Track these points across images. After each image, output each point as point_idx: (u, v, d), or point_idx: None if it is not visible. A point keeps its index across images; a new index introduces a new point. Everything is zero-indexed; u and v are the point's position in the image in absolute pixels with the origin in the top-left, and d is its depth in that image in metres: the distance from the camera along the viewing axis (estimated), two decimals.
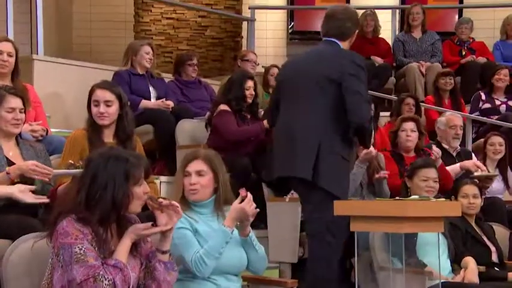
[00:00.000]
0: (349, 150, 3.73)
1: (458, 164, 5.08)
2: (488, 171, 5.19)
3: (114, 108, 3.54)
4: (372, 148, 4.27)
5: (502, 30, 7.64)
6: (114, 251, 2.43)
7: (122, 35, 8.34)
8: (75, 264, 2.31)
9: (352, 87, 3.56)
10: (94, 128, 3.57)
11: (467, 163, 5.06)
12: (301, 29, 8.89)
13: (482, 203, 4.36)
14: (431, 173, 4.09)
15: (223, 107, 4.91)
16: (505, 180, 5.37)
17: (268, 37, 8.85)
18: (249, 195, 2.96)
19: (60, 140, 4.04)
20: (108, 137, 3.58)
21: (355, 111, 3.54)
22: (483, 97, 6.61)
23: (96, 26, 8.76)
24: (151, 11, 8.20)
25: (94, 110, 3.55)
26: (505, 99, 6.61)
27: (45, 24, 7.30)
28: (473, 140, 6.22)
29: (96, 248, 2.38)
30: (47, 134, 4.15)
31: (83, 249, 2.33)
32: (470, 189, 4.29)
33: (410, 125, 4.98)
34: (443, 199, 4.32)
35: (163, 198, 2.57)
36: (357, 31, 3.85)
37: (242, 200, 2.95)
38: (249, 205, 2.94)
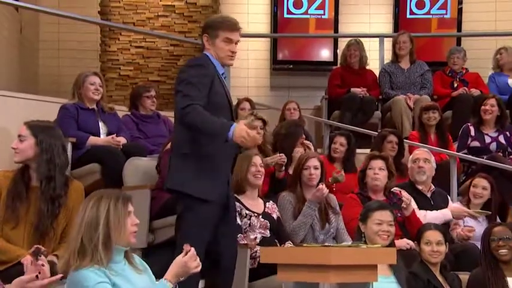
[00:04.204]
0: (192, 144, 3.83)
1: (442, 212, 5.10)
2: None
3: (27, 145, 3.59)
4: (322, 185, 4.49)
5: (494, 62, 7.62)
6: None
7: (93, 65, 8.40)
8: None
9: (175, 88, 3.82)
10: (23, 169, 3.64)
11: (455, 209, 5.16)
12: (287, 58, 8.92)
13: (447, 250, 4.35)
14: (386, 215, 4.05)
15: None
16: None
17: (250, 67, 8.91)
18: (192, 250, 3.03)
19: None
20: (37, 180, 3.63)
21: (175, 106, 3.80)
22: (472, 132, 6.38)
23: (65, 55, 8.85)
24: (119, 39, 8.24)
25: None
26: (496, 134, 6.37)
27: (8, 54, 7.45)
28: (464, 182, 6.18)
29: None
30: None
31: None
32: (433, 235, 4.29)
33: (378, 163, 5.02)
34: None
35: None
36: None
37: (185, 254, 3.02)
38: (192, 260, 3.01)
